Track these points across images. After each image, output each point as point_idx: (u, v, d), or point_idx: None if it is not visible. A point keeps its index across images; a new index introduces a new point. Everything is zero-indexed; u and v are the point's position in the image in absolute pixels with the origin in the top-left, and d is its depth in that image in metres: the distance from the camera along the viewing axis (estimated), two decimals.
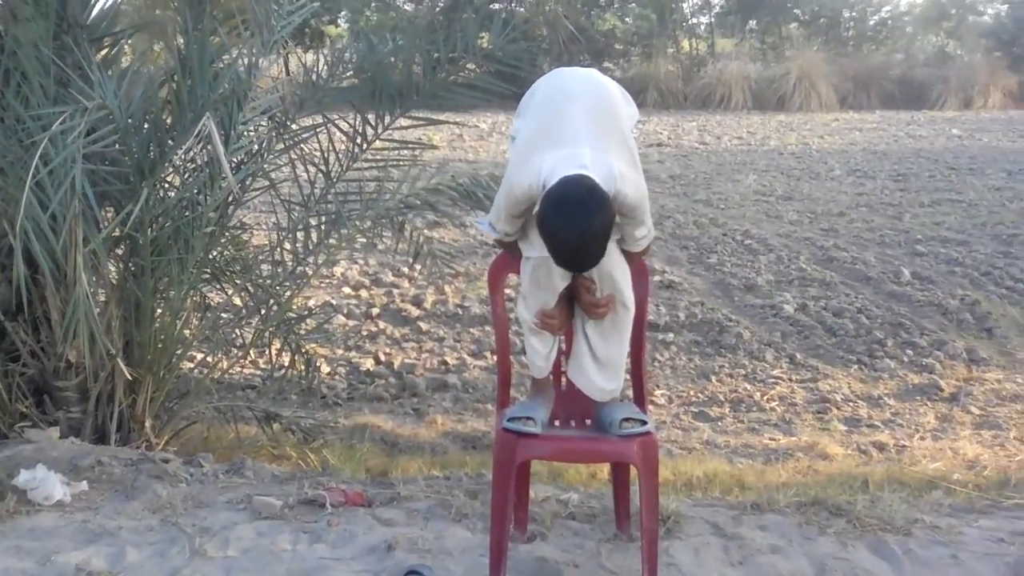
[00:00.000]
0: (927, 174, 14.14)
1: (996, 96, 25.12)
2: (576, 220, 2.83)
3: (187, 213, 4.63)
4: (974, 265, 9.02)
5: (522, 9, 26.30)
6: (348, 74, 5.29)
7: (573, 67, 3.56)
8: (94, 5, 4.76)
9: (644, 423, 3.21)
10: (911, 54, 28.52)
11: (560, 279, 3.18)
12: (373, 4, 28.22)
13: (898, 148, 17.12)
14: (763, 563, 3.49)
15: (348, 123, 5.22)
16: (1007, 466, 5.08)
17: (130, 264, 4.74)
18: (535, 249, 3.15)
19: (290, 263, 5.27)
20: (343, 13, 28.94)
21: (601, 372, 3.32)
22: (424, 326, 7.62)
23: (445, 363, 6.90)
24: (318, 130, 5.12)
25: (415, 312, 7.88)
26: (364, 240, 8.49)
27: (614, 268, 3.19)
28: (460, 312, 7.86)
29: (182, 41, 4.73)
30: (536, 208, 2.98)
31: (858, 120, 21.86)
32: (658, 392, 6.39)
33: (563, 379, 3.52)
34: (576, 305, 3.33)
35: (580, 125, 3.10)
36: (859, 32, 28.94)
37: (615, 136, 3.16)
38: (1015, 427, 5.73)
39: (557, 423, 3.44)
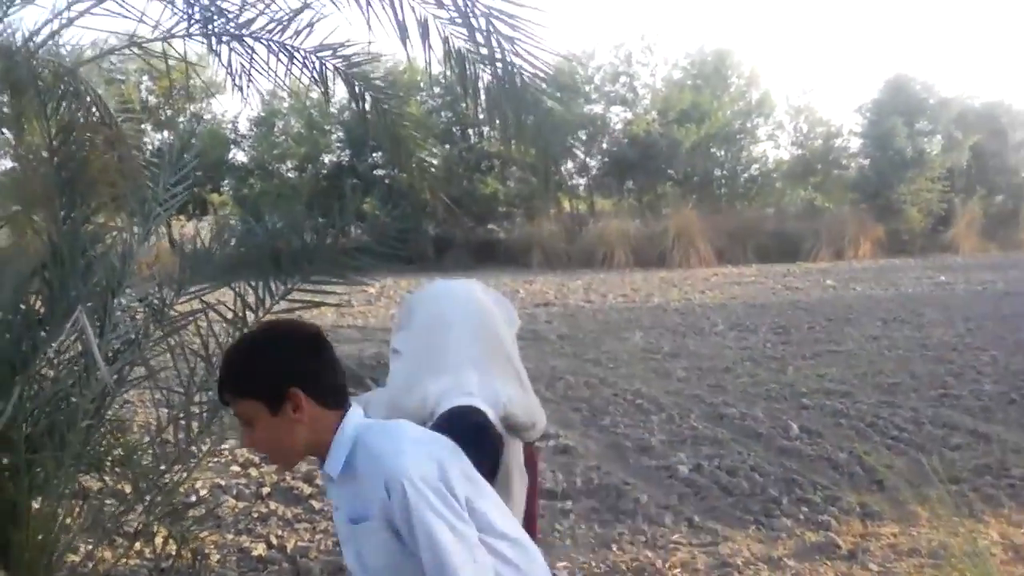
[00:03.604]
0: (806, 325, 14.51)
1: (866, 246, 26.23)
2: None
3: (62, 406, 4.45)
4: (859, 416, 9.17)
5: (404, 175, 26.67)
6: (231, 248, 5.22)
7: (450, 283, 3.59)
8: None
9: None
10: (782, 208, 29.73)
11: None
12: (257, 172, 28.35)
13: (777, 300, 17.60)
14: None
15: (228, 307, 5.11)
16: None
17: (3, 462, 4.50)
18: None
19: (172, 450, 5.08)
20: (226, 181, 29.03)
21: None
22: (317, 504, 7.38)
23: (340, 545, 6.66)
24: (196, 316, 5.00)
25: (307, 489, 7.64)
26: None
27: (512, 470, 3.16)
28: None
29: (54, 229, 4.62)
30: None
31: (736, 274, 22.50)
32: (560, 564, 6.24)
33: None
34: None
35: (463, 350, 3.13)
36: (731, 189, 30.06)
37: (499, 358, 3.20)
38: None
39: None
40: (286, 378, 2.35)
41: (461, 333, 3.19)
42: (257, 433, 2.38)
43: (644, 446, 8.48)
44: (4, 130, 6.36)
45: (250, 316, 5.10)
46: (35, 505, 4.59)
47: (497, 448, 2.96)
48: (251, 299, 5.07)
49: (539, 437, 3.36)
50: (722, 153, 30.02)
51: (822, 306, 16.55)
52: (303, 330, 2.57)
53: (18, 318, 4.42)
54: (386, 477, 2.30)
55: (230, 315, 5.10)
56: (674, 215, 26.26)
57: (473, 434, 2.86)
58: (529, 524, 3.44)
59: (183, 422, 5.02)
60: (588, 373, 11.46)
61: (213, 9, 4.81)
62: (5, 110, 5.74)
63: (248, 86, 5.02)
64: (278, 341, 2.47)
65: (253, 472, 8.09)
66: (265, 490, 7.64)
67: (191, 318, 5.03)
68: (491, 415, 2.98)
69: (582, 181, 30.41)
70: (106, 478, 5.22)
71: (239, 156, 29.73)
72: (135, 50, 5.08)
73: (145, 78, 25.59)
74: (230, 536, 6.82)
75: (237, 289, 5.11)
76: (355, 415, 2.44)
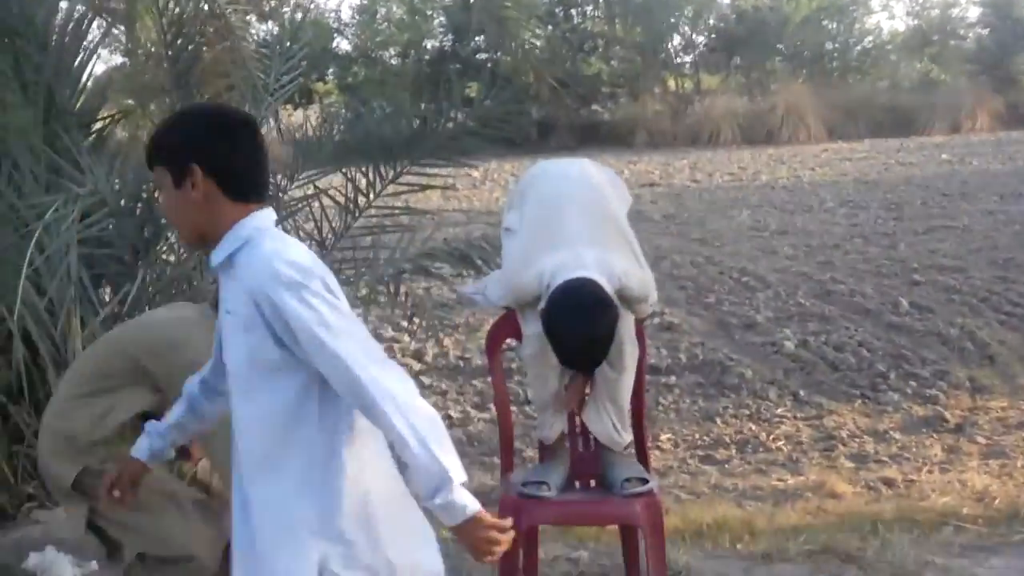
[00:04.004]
0: (919, 201, 14.19)
1: (984, 119, 25.25)
2: (582, 328, 2.94)
3: (184, 289, 4.66)
4: (972, 292, 9.03)
5: (508, 59, 26.50)
6: (339, 135, 5.34)
7: (562, 162, 3.61)
8: (81, 90, 4.81)
9: (646, 482, 3.21)
10: (896, 82, 28.72)
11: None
12: (360, 60, 28.42)
13: (889, 176, 17.19)
14: None
15: (339, 191, 5.25)
16: (1016, 496, 5.05)
17: None
18: (531, 326, 3.19)
19: None
20: (331, 70, 29.17)
21: (601, 432, 3.33)
22: (426, 380, 7.61)
23: (449, 417, 6.88)
24: (311, 200, 5.15)
25: (417, 366, 7.88)
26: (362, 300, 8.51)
27: (623, 343, 3.22)
28: (461, 364, 7.86)
29: None
30: (541, 306, 3.04)
31: (847, 150, 21.96)
32: (664, 436, 6.38)
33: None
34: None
35: (578, 226, 3.16)
36: (843, 63, 29.13)
37: (613, 233, 3.23)
38: (1022, 455, 5.72)
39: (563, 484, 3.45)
40: (189, 153, 2.28)
41: (576, 209, 3.23)
42: (163, 201, 2.41)
43: (749, 323, 8.50)
44: (116, 27, 6.52)
45: (361, 200, 5.24)
46: None
47: (613, 320, 3.01)
48: (362, 184, 5.20)
49: (650, 313, 3.42)
50: (834, 25, 29.04)
51: (936, 181, 16.11)
52: (229, 114, 2.56)
53: (139, 206, 4.62)
54: (266, 272, 2.20)
55: (342, 200, 5.24)
56: (783, 91, 25.58)
57: (590, 305, 2.94)
58: (636, 398, 3.53)
59: None
60: (693, 252, 11.43)
61: None
62: (115, 7, 5.89)
63: None
64: (196, 118, 2.45)
65: None
66: None
67: (305, 203, 5.18)
68: (607, 288, 3.03)
69: (688, 58, 29.79)
70: None
71: (343, 44, 29.80)
72: None
73: None
74: None
75: (348, 174, 5.24)
76: (262, 217, 2.33)
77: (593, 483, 3.45)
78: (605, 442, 3.36)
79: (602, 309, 2.97)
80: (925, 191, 15.11)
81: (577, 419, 3.51)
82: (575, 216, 3.21)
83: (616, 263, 3.08)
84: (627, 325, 3.25)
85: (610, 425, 3.34)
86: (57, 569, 3.93)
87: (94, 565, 4.02)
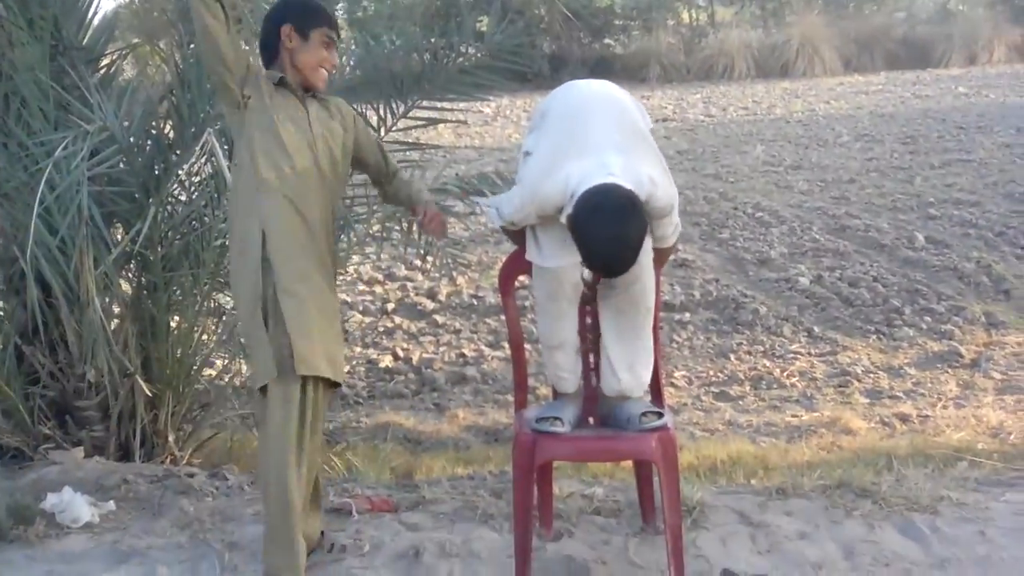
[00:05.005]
0: (936, 135, 14.03)
1: (1001, 51, 24.87)
2: (613, 228, 2.85)
3: (196, 227, 4.64)
4: (988, 226, 8.96)
5: None
6: (349, 70, 5.28)
7: (584, 81, 3.52)
8: (88, 25, 4.75)
9: (660, 416, 3.20)
10: (913, 13, 28.25)
11: (572, 289, 3.19)
12: None
13: (905, 110, 17.01)
14: (791, 550, 3.48)
15: None
16: None
17: (142, 281, 4.75)
18: (547, 259, 3.15)
19: None
20: (340, 4, 28.89)
21: (617, 375, 3.30)
22: (440, 319, 7.62)
23: (463, 356, 6.90)
24: None
25: (430, 305, 7.89)
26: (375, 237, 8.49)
27: (643, 272, 3.18)
28: (475, 303, 7.86)
29: (179, 56, 4.72)
30: (567, 213, 2.97)
31: (863, 83, 21.71)
32: (678, 374, 6.38)
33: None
34: (600, 307, 3.34)
35: (605, 134, 3.08)
36: None
37: (641, 142, 3.15)
38: None
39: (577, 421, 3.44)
40: None
41: (602, 119, 3.15)
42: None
43: (763, 258, 8.46)
44: None
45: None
46: (173, 322, 4.85)
47: (644, 223, 2.94)
48: (372, 119, 5.15)
49: (673, 244, 3.33)
50: None
51: (953, 114, 15.92)
52: None
53: (149, 143, 4.58)
54: None
55: None
56: (798, 23, 25.21)
57: (621, 206, 2.89)
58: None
59: None
60: (707, 188, 11.35)
61: None
62: None
63: None
64: None
65: (378, 289, 8.35)
66: (390, 306, 7.90)
67: None
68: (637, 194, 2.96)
69: None
70: None
71: None
72: None
73: None
74: (358, 349, 7.12)
75: (358, 109, 5.18)
76: None
77: (592, 420, 3.43)
78: (611, 394, 3.34)
79: (633, 210, 2.89)
80: (941, 124, 14.94)
81: (591, 356, 3.49)
82: (601, 125, 3.14)
83: (643, 170, 3.00)
84: (647, 259, 3.21)
85: (611, 379, 3.31)
86: (74, 509, 3.95)
87: (111, 505, 4.05)
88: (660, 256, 3.35)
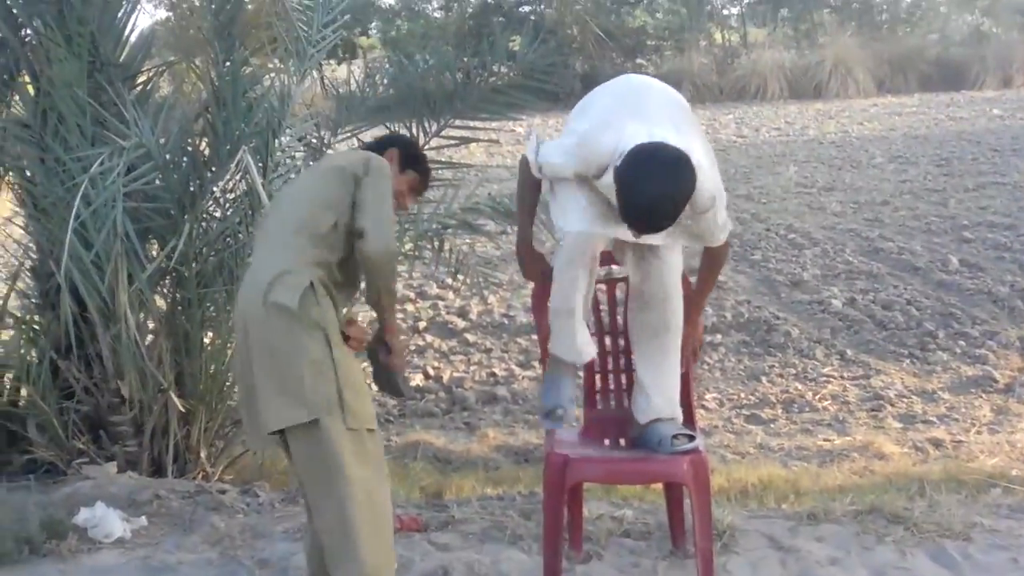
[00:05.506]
0: (970, 157, 13.94)
1: None
2: (659, 180, 2.78)
3: (230, 243, 4.67)
4: (1022, 249, 8.87)
5: (551, 11, 26.26)
6: (383, 89, 5.31)
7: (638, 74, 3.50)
8: (125, 43, 4.80)
9: (692, 438, 3.18)
10: (947, 35, 28.10)
11: (591, 260, 3.13)
12: (403, 13, 28.33)
13: (939, 132, 16.90)
14: None
15: None
16: None
17: (177, 296, 4.78)
18: (573, 223, 3.07)
19: None
20: (374, 24, 29.10)
21: (648, 397, 3.28)
22: (471, 338, 7.63)
23: (494, 375, 6.90)
24: None
25: (461, 324, 7.89)
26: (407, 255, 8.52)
27: (673, 291, 3.17)
28: (506, 322, 7.85)
29: (214, 74, 4.76)
30: (613, 165, 2.88)
31: (897, 104, 21.60)
32: (709, 396, 6.35)
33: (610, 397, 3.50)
34: (631, 330, 3.33)
35: (661, 110, 3.03)
36: (892, 15, 28.63)
37: (693, 127, 3.10)
38: None
39: (607, 443, 3.43)
40: None
41: (660, 98, 3.10)
42: None
43: (796, 280, 8.42)
44: None
45: None
46: (207, 338, 4.87)
47: (691, 185, 2.86)
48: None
49: (728, 243, 3.25)
50: None
51: (987, 136, 15.80)
52: None
53: (184, 160, 4.62)
54: None
55: None
56: (831, 44, 25.14)
57: (671, 160, 2.81)
58: (682, 355, 3.47)
59: None
60: (739, 208, 11.30)
61: None
62: None
63: None
64: None
65: (410, 307, 8.36)
66: (422, 324, 7.91)
67: None
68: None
69: (734, 10, 29.43)
70: None
71: None
72: None
73: None
74: None
75: (391, 128, 5.21)
76: None
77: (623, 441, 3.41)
78: (639, 418, 3.31)
79: (681, 166, 2.81)
80: (976, 146, 14.84)
81: (622, 377, 3.47)
82: (658, 102, 3.09)
83: (695, 152, 2.93)
84: (676, 277, 3.19)
85: (641, 402, 3.29)
86: (107, 524, 3.97)
87: (143, 520, 4.07)
88: (713, 258, 3.31)
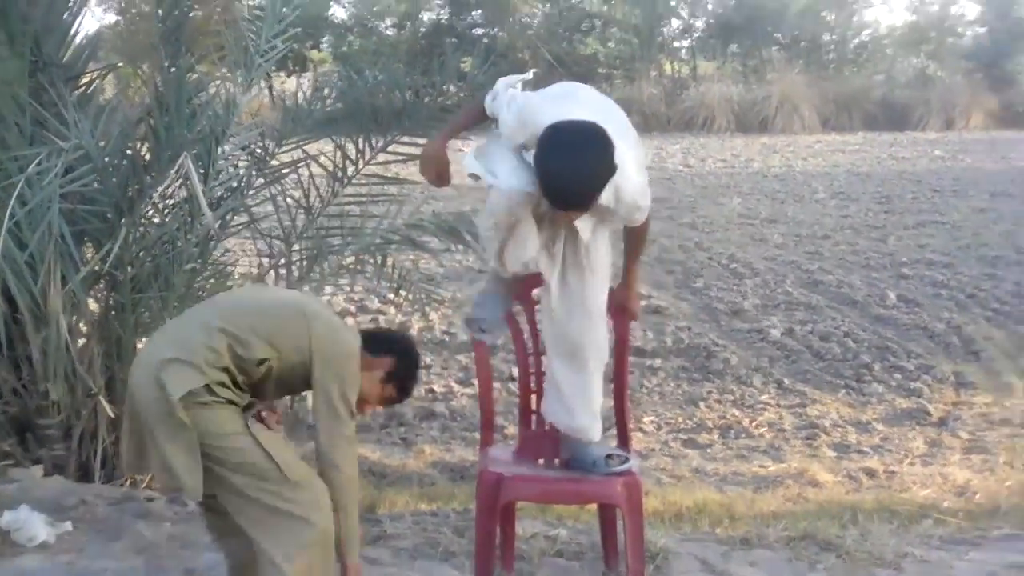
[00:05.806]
0: (911, 196, 14.18)
1: (978, 117, 25.29)
2: (579, 158, 2.73)
3: (167, 249, 4.60)
4: (959, 287, 9.03)
5: (504, 34, 26.37)
6: (330, 103, 5.28)
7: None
8: (69, 44, 4.73)
9: (626, 460, 3.18)
10: (892, 76, 28.71)
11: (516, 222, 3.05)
12: (356, 29, 28.28)
13: (881, 170, 17.18)
14: None
15: (328, 158, 5.19)
16: (997, 492, 5.06)
17: (111, 301, 4.70)
18: (503, 177, 2.96)
19: None
20: (326, 38, 29.02)
21: (571, 411, 3.25)
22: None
23: (432, 391, 6.86)
24: (298, 165, 5.09)
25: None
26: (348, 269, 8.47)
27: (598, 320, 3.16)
28: (447, 339, 7.82)
29: (159, 78, 4.70)
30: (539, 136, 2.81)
31: (841, 142, 21.94)
32: (646, 419, 6.36)
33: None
34: (544, 343, 3.31)
35: (594, 111, 2.94)
36: (840, 55, 29.15)
37: (628, 132, 3.04)
38: (1004, 451, 5.72)
39: (542, 462, 3.40)
40: None
41: (594, 102, 3.05)
42: None
43: (736, 309, 8.48)
44: None
45: (349, 168, 5.18)
46: (140, 344, 4.79)
47: (611, 164, 2.73)
48: (351, 152, 5.14)
49: (647, 222, 3.19)
50: (832, 17, 29.04)
51: (928, 177, 16.10)
52: None
53: (124, 163, 4.55)
54: None
55: (330, 166, 5.19)
56: (779, 80, 25.54)
57: (589, 137, 2.76)
58: (619, 377, 3.48)
59: (283, 271, 5.15)
60: (683, 237, 11.39)
61: None
62: None
63: None
64: None
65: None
66: None
67: (293, 168, 5.12)
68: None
69: (685, 43, 29.75)
70: None
71: (339, 12, 29.70)
72: None
73: None
74: None
75: (337, 141, 5.18)
76: None
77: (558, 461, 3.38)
78: (567, 432, 3.28)
79: (603, 144, 2.76)
80: (917, 186, 15.10)
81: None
82: (590, 104, 3.03)
83: (620, 151, 2.87)
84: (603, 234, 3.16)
85: (564, 417, 3.26)
86: (30, 528, 3.87)
87: (68, 525, 3.97)
88: (636, 232, 3.27)
